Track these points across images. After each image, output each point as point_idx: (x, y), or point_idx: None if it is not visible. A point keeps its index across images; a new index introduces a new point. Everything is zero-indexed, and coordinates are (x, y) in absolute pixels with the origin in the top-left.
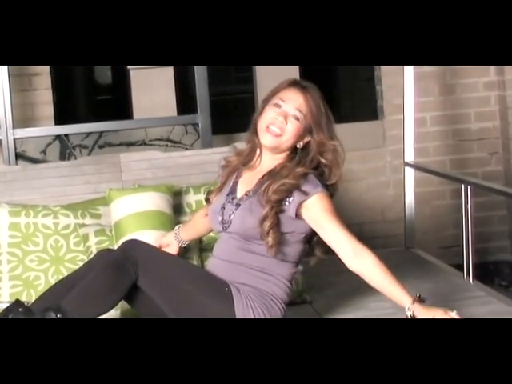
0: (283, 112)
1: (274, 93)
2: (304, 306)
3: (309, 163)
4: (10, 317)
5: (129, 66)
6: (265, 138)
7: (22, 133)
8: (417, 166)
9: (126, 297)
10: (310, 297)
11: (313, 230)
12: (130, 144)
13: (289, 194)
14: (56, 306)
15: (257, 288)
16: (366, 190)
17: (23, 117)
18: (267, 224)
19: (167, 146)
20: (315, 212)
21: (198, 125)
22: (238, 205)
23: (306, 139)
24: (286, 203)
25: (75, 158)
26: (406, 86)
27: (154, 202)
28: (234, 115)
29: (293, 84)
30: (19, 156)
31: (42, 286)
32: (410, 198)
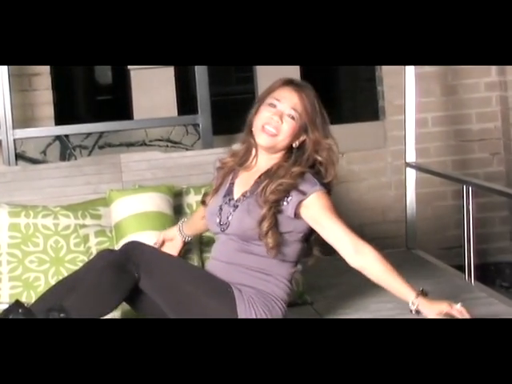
0: (278, 111)
1: (268, 92)
2: (305, 307)
3: (305, 162)
4: (10, 317)
5: (129, 66)
6: (261, 138)
7: (22, 133)
8: (418, 167)
9: (128, 299)
10: (311, 298)
11: (311, 229)
12: (130, 144)
13: (286, 193)
14: (59, 306)
15: (257, 289)
16: (367, 191)
17: (23, 117)
18: (265, 225)
19: (167, 146)
20: (314, 210)
21: (199, 125)
22: (235, 206)
23: (302, 138)
24: (284, 203)
25: (75, 159)
26: (408, 86)
27: (154, 202)
28: (234, 115)
29: (287, 83)
30: (19, 156)
31: (41, 287)
32: (411, 199)
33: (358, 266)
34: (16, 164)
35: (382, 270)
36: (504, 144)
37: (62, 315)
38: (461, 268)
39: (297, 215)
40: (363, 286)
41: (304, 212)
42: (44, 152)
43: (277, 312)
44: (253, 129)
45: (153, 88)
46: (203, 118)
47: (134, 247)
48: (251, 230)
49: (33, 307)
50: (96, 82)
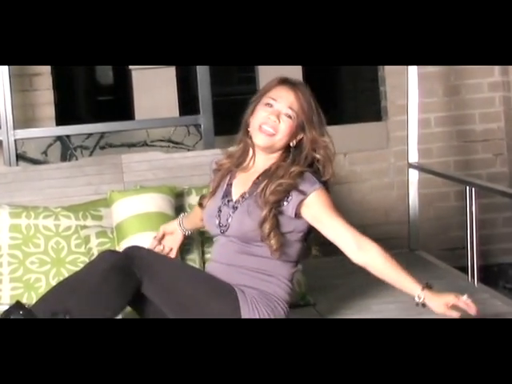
0: (275, 111)
1: (263, 92)
2: (307, 309)
3: (303, 161)
4: (11, 318)
5: (130, 67)
6: (258, 138)
7: (22, 133)
8: (421, 168)
9: (132, 304)
10: (313, 299)
11: (310, 228)
12: (131, 145)
13: (286, 194)
14: (63, 308)
15: (260, 290)
16: (369, 192)
17: (24, 117)
18: (267, 226)
19: (169, 146)
20: (315, 209)
21: (200, 125)
22: (234, 207)
23: (299, 137)
24: (285, 203)
25: (76, 159)
26: (410, 86)
27: (155, 203)
28: (236, 116)
29: (282, 82)
30: (20, 157)
31: (42, 288)
32: (413, 200)
33: (362, 261)
34: (17, 164)
35: (385, 265)
36: (507, 145)
37: (67, 316)
38: (464, 269)
39: (297, 215)
40: (365, 286)
41: (305, 211)
42: (45, 152)
43: (279, 312)
44: (250, 129)
45: (154, 88)
46: (205, 118)
47: (135, 251)
48: (252, 231)
49: (33, 308)
50: (97, 82)
